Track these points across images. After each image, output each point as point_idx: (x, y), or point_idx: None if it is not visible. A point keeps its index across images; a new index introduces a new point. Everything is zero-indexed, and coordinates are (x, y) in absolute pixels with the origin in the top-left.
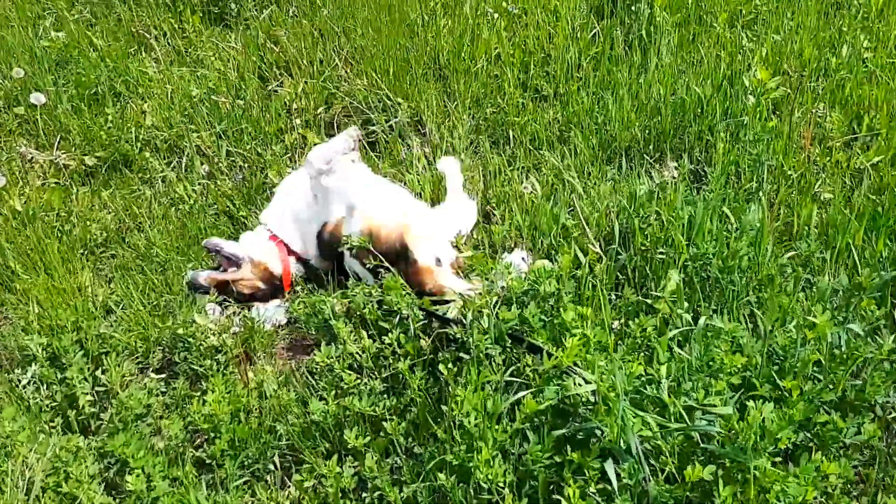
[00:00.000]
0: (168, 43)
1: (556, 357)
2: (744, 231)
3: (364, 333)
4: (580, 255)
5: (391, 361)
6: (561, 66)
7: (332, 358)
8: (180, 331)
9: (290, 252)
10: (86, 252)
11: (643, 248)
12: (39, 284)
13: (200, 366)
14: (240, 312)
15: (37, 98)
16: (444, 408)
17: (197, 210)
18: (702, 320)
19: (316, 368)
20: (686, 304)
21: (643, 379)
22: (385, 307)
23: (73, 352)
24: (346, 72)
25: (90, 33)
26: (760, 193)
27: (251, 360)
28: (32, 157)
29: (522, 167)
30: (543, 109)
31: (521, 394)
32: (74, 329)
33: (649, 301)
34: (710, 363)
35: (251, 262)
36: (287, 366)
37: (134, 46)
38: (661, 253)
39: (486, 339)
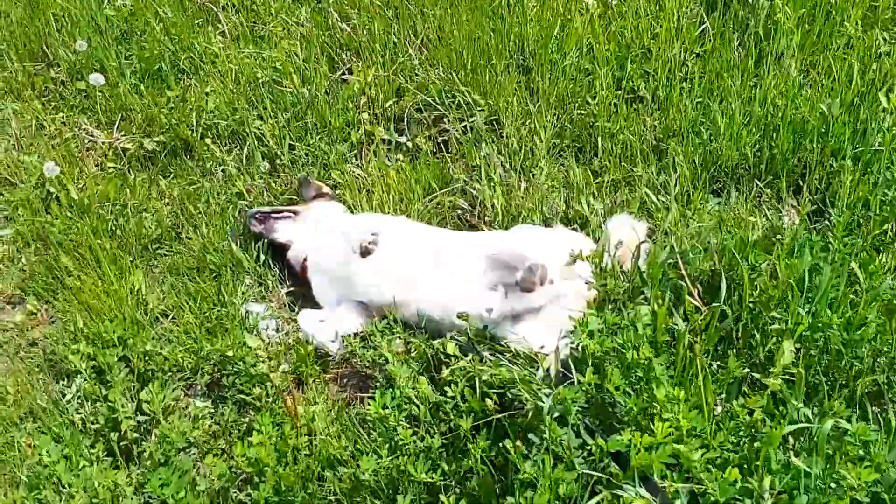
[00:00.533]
0: (235, 16)
1: (642, 453)
2: (875, 294)
3: (424, 382)
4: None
5: (452, 417)
6: (663, 64)
7: (387, 408)
8: (230, 353)
9: None
10: (139, 249)
11: (751, 304)
12: (89, 286)
13: (248, 393)
14: (292, 332)
15: (96, 79)
16: (510, 500)
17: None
18: (828, 423)
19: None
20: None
21: (740, 485)
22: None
23: (118, 369)
24: (419, 60)
25: (156, 2)
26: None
27: (302, 386)
28: (92, 138)
29: (611, 180)
30: (639, 115)
31: (597, 498)
32: (121, 343)
33: (755, 374)
34: (833, 476)
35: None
36: (340, 400)
37: (201, 17)
38: (774, 318)
39: (561, 433)
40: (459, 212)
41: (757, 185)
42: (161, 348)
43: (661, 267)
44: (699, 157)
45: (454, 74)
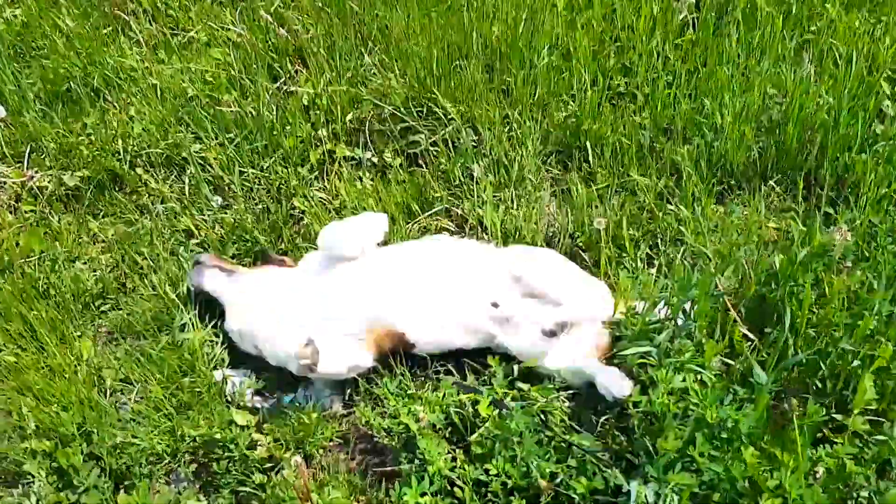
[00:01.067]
0: (149, 23)
1: None
2: None
3: (461, 456)
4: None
5: (501, 497)
6: (642, 58)
7: (425, 495)
8: (217, 435)
9: None
10: (79, 309)
11: (813, 332)
12: (26, 363)
13: (246, 483)
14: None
15: None
16: None
17: (210, 248)
18: None
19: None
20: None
21: None
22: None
23: (86, 471)
24: (373, 65)
25: (54, 12)
26: None
27: (308, 461)
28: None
29: (607, 186)
30: (626, 114)
31: None
32: (83, 435)
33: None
34: None
35: None
36: (357, 477)
37: (110, 26)
38: (847, 350)
39: None
40: (446, 234)
41: (773, 189)
42: (132, 437)
43: (708, 298)
44: (704, 159)
45: (417, 80)
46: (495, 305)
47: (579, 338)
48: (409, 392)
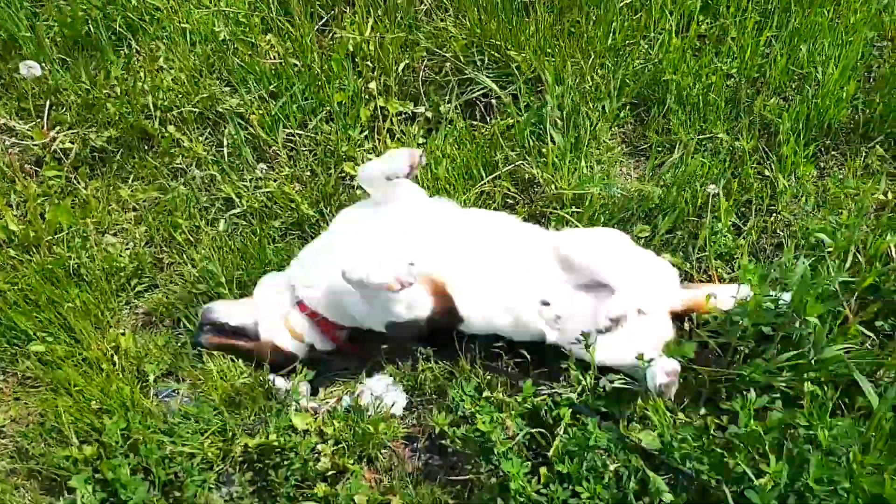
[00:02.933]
0: None
1: None
2: None
3: (545, 472)
4: None
5: None
6: None
7: None
8: (275, 440)
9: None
10: (114, 290)
11: None
12: (61, 353)
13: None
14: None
15: (29, 70)
16: None
17: (254, 220)
18: None
19: None
20: None
21: None
22: None
23: (135, 486)
24: (427, 3)
25: None
26: None
27: (371, 464)
28: (18, 140)
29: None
30: (707, 62)
31: None
32: (126, 441)
33: None
34: None
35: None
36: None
37: None
38: None
39: None
40: (511, 200)
41: (885, 154)
42: (182, 444)
43: (822, 299)
44: (802, 119)
45: (479, 24)
46: (546, 304)
47: (640, 329)
48: (485, 395)
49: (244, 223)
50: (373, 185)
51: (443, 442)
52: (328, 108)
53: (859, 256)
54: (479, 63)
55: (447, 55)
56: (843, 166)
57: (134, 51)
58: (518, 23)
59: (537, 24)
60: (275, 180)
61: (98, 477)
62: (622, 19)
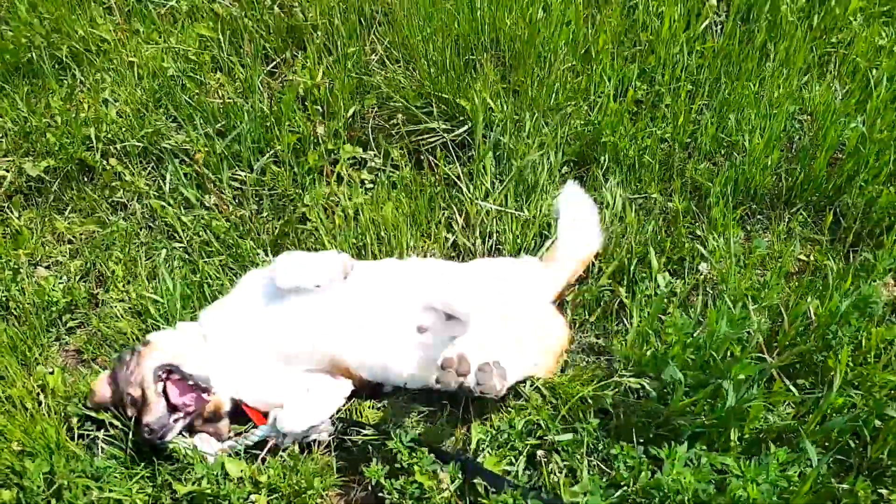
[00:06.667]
0: None
1: None
2: None
3: None
4: None
5: None
6: (665, 65)
7: None
8: (207, 487)
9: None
10: (44, 325)
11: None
12: None
13: None
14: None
15: None
16: None
17: (197, 253)
18: None
19: None
20: None
21: None
22: None
23: None
24: (379, 53)
25: None
26: None
27: None
28: None
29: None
30: (643, 126)
31: None
32: (50, 487)
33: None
34: None
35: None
36: None
37: None
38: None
39: None
40: (454, 250)
41: (805, 217)
42: (109, 490)
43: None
44: (730, 185)
45: (430, 75)
46: (421, 330)
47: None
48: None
49: (185, 258)
50: (296, 288)
51: (380, 494)
52: (277, 148)
53: (783, 313)
54: (427, 115)
55: (398, 104)
56: (768, 230)
57: (78, 81)
58: (467, 80)
59: (484, 79)
60: (215, 219)
61: None
62: (564, 80)
